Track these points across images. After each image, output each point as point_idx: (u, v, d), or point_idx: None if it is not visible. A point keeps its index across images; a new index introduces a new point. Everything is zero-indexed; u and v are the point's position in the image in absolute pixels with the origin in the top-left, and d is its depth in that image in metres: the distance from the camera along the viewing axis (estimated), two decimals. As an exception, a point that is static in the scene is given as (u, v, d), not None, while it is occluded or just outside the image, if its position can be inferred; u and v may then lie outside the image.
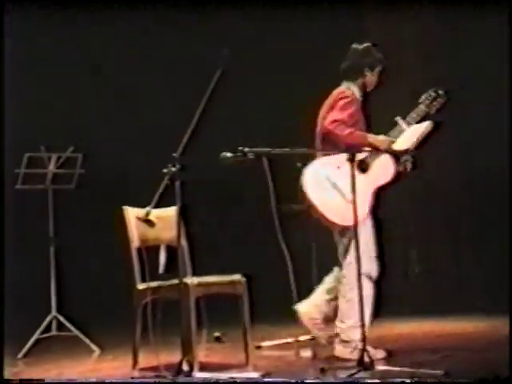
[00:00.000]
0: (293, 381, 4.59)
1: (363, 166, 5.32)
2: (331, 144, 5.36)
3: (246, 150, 5.03)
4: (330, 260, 7.14)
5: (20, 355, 6.29)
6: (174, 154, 4.90)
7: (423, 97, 5.41)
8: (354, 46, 5.59)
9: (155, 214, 5.13)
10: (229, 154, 5.07)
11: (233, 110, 7.99)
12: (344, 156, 5.05)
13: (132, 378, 4.95)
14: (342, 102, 5.39)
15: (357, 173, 5.07)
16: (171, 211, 5.25)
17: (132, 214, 5.40)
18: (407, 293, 5.82)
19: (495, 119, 7.23)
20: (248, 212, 7.89)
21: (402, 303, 6.29)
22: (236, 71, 5.56)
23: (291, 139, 5.56)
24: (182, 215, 5.05)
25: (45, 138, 6.95)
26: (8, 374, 5.57)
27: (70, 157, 6.77)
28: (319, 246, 6.30)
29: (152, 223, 5.13)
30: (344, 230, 5.35)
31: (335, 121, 5.31)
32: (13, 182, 6.65)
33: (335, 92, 5.51)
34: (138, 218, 5.17)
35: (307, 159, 5.61)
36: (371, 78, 5.56)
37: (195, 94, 5.03)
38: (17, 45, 7.72)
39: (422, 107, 5.40)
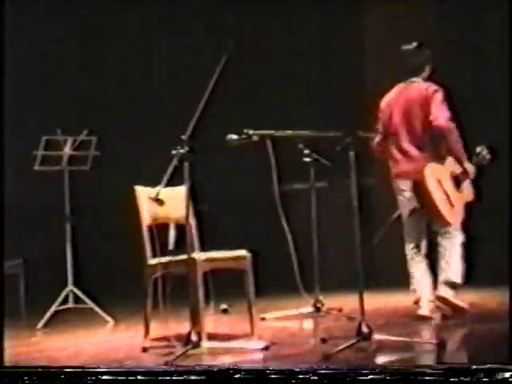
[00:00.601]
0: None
1: (457, 181, 5.69)
2: (436, 139, 5.62)
3: (251, 132, 5.25)
4: (330, 235, 7.36)
5: (39, 326, 6.46)
6: (183, 136, 4.94)
7: (479, 149, 5.83)
8: (404, 47, 5.80)
9: (165, 193, 5.16)
10: (234, 136, 5.25)
11: (239, 94, 8.05)
12: (449, 167, 5.58)
13: (143, 347, 5.13)
14: (439, 95, 5.60)
15: (453, 186, 5.62)
16: (180, 191, 5.25)
17: (143, 193, 5.46)
18: (404, 265, 5.96)
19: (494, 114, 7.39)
20: (253, 190, 7.99)
21: (398, 275, 6.38)
22: (242, 57, 5.69)
23: (294, 122, 5.70)
24: (191, 194, 5.08)
25: (61, 121, 7.10)
26: (28, 342, 5.79)
27: (85, 140, 6.90)
28: (320, 223, 6.48)
29: (162, 202, 5.19)
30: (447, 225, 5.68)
31: (450, 119, 5.58)
32: (31, 164, 6.81)
33: (420, 88, 5.69)
34: (149, 198, 5.23)
35: (308, 141, 5.87)
36: (429, 71, 5.81)
37: (204, 78, 5.08)
38: (28, 29, 7.84)
39: (481, 156, 5.82)
